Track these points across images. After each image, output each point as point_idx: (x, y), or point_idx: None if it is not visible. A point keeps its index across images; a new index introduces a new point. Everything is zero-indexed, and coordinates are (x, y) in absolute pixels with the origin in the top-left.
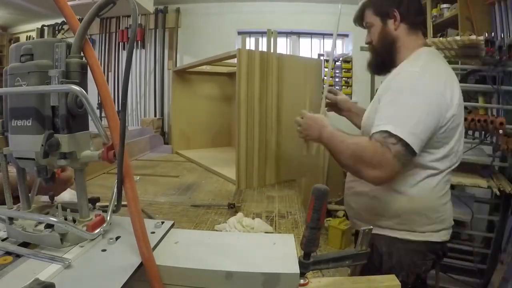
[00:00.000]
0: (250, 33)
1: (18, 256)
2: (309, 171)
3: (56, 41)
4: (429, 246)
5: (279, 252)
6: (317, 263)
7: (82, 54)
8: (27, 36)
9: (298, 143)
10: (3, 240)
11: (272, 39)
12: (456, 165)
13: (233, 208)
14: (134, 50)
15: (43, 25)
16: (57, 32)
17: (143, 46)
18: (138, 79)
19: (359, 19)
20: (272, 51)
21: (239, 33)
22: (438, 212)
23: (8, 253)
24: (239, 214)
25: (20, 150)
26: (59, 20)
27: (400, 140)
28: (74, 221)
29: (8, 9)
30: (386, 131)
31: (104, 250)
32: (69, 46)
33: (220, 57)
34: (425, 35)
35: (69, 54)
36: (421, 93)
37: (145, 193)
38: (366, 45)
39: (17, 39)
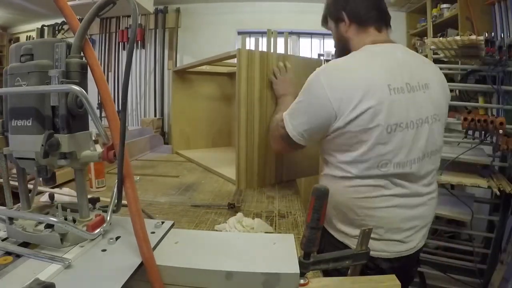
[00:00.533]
0: (250, 33)
1: (18, 256)
2: (309, 171)
3: (56, 41)
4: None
5: (279, 252)
6: (317, 263)
7: (82, 54)
8: (27, 36)
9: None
10: (3, 240)
11: (272, 39)
12: (389, 172)
13: (233, 208)
14: (134, 50)
15: (43, 25)
16: (57, 32)
17: (143, 46)
18: (138, 79)
19: (325, 23)
20: (272, 51)
21: (239, 33)
22: (356, 214)
23: (8, 253)
24: (239, 214)
25: (20, 150)
26: (59, 20)
27: (284, 126)
28: (74, 221)
29: (8, 9)
30: (284, 115)
31: (104, 250)
32: (69, 46)
33: (220, 57)
34: (381, 29)
35: (69, 54)
36: (307, 91)
37: (145, 193)
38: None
39: (17, 39)
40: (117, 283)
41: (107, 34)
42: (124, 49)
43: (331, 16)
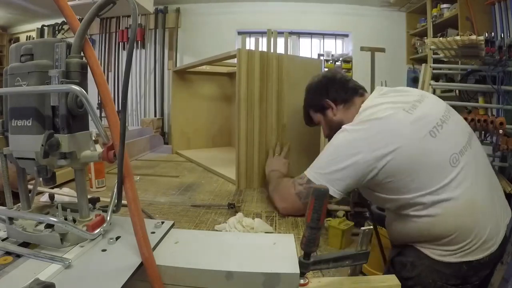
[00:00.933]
0: (250, 33)
1: (18, 256)
2: None
3: (56, 41)
4: (454, 268)
5: (279, 252)
6: (317, 263)
7: (82, 54)
8: (27, 36)
9: (298, 143)
10: (3, 240)
11: (272, 39)
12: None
13: (233, 208)
14: (134, 50)
15: (43, 25)
16: (57, 32)
17: (143, 46)
18: (138, 79)
19: (309, 121)
20: (272, 51)
21: (239, 33)
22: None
23: (8, 253)
24: (239, 214)
25: (20, 150)
26: (59, 20)
27: (305, 177)
28: (74, 221)
29: (8, 9)
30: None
31: (104, 250)
32: (69, 46)
33: (220, 57)
34: (363, 94)
35: (69, 54)
36: (337, 144)
37: (145, 193)
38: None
39: (17, 39)
40: (117, 283)
41: (107, 34)
42: (124, 49)
43: (316, 110)
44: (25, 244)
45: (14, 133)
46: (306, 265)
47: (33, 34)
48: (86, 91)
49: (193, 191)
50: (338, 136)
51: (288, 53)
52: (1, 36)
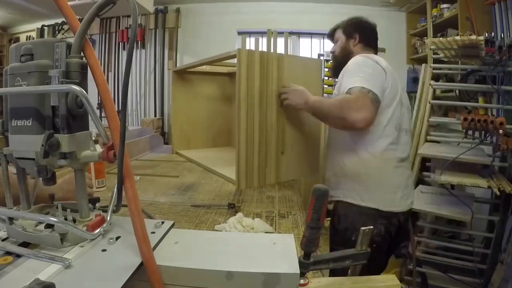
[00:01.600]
0: (250, 33)
1: (18, 256)
2: (309, 171)
3: (56, 41)
4: (378, 213)
5: (279, 252)
6: (317, 263)
7: (82, 54)
8: (27, 36)
9: (298, 143)
10: (3, 240)
11: (272, 39)
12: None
13: (233, 208)
14: (134, 50)
15: (43, 25)
16: (57, 32)
17: (143, 46)
18: (138, 79)
19: (332, 34)
20: (272, 51)
21: (239, 33)
22: (380, 177)
23: (8, 253)
24: (239, 214)
25: (20, 150)
26: (59, 20)
27: (370, 90)
28: (74, 221)
29: (8, 9)
30: (357, 86)
31: (104, 250)
32: (69, 46)
33: (220, 57)
34: (375, 52)
35: (69, 54)
36: (369, 66)
37: (145, 193)
38: (330, 52)
39: (17, 39)
40: (117, 283)
41: (107, 34)
42: (124, 49)
43: (345, 32)
44: (25, 244)
45: (14, 133)
46: (306, 265)
47: (33, 34)
48: (86, 91)
49: (193, 191)
50: (357, 58)
51: (288, 53)
52: (1, 36)
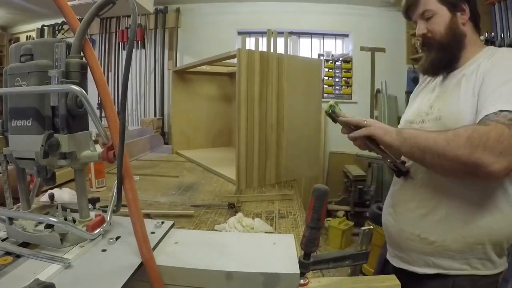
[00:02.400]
0: (250, 33)
1: (18, 256)
2: (309, 171)
3: (56, 41)
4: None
5: (279, 252)
6: (317, 263)
7: (82, 54)
8: (27, 36)
9: (298, 143)
10: (3, 240)
11: (272, 39)
12: None
13: (233, 208)
14: (134, 50)
15: (43, 25)
16: (57, 32)
17: (143, 46)
18: (138, 79)
19: (414, 7)
20: (272, 51)
21: (239, 33)
22: None
23: (8, 253)
24: (239, 214)
25: (20, 150)
26: (59, 20)
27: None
28: (74, 221)
29: (8, 9)
30: (509, 111)
31: (104, 250)
32: (69, 46)
33: (220, 57)
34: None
35: (69, 54)
36: None
37: (145, 193)
38: (418, 37)
39: (17, 39)
40: (117, 283)
41: (107, 34)
42: (124, 49)
43: (444, 1)
44: (25, 244)
45: (14, 133)
46: (306, 265)
47: (33, 34)
48: (86, 91)
49: (193, 191)
50: None
51: (288, 53)
52: (1, 36)
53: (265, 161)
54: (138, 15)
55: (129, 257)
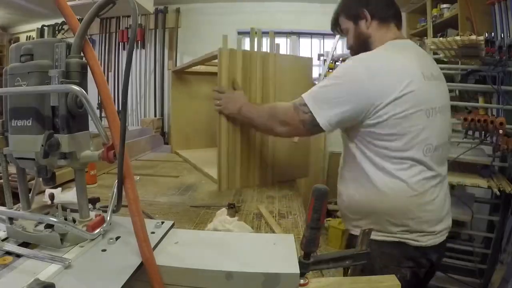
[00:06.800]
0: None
1: (18, 256)
2: (310, 171)
3: (56, 41)
4: (403, 251)
5: (279, 252)
6: (317, 263)
7: (82, 54)
8: (27, 36)
9: (285, 146)
10: (3, 240)
11: (256, 39)
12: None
13: (233, 208)
14: (134, 50)
15: (43, 25)
16: (57, 32)
17: (143, 46)
18: (138, 79)
19: (335, 27)
20: (256, 50)
21: (239, 33)
22: (413, 213)
23: (8, 253)
24: (224, 216)
25: (20, 150)
26: (59, 20)
27: (310, 111)
28: (74, 221)
29: (8, 9)
30: (303, 99)
31: (104, 250)
32: (69, 46)
33: (205, 57)
34: (399, 26)
35: (69, 54)
36: (341, 78)
37: (145, 193)
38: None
39: (17, 39)
40: (117, 283)
41: (107, 34)
42: (124, 49)
43: (349, 16)
44: (25, 244)
45: (14, 133)
46: (306, 265)
47: (33, 34)
48: (86, 91)
49: (193, 191)
50: (347, 62)
51: (280, 53)
52: (1, 36)
53: (248, 163)
54: (138, 15)
55: (129, 257)
